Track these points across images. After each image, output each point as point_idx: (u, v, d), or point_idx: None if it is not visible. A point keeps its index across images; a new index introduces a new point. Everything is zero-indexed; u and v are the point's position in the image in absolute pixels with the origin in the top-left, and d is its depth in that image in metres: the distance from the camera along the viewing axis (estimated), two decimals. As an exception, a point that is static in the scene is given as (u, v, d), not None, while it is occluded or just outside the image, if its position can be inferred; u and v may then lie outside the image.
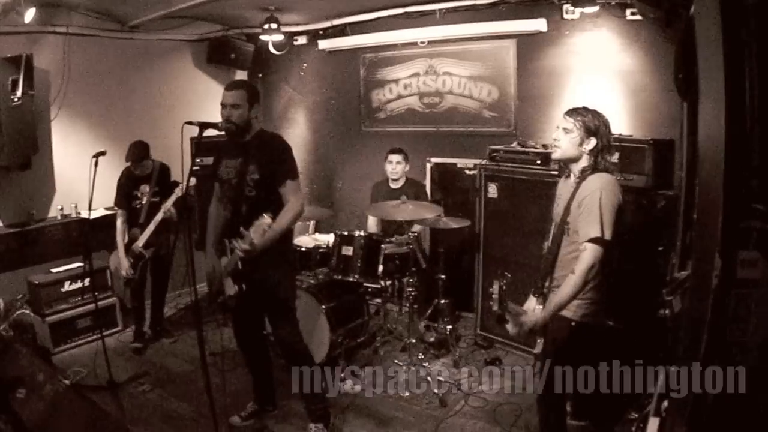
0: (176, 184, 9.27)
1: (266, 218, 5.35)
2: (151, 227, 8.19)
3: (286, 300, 6.27)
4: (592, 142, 4.86)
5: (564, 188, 5.16)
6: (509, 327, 4.97)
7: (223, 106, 5.88)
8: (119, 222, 8.38)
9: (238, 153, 6.02)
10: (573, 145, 4.93)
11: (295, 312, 6.38)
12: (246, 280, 5.98)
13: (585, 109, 4.98)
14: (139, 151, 8.19)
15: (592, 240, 4.65)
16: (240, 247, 5.50)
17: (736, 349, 2.68)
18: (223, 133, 5.77)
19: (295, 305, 6.38)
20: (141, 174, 8.37)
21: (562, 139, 4.98)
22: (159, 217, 8.16)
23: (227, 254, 6.07)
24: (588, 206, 4.71)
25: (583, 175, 4.91)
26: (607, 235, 4.63)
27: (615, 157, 6.86)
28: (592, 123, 4.87)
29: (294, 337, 6.29)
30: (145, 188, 8.37)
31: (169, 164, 8.67)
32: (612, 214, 4.68)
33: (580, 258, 4.69)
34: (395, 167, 9.13)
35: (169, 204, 8.15)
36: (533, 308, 5.14)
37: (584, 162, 4.94)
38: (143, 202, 8.35)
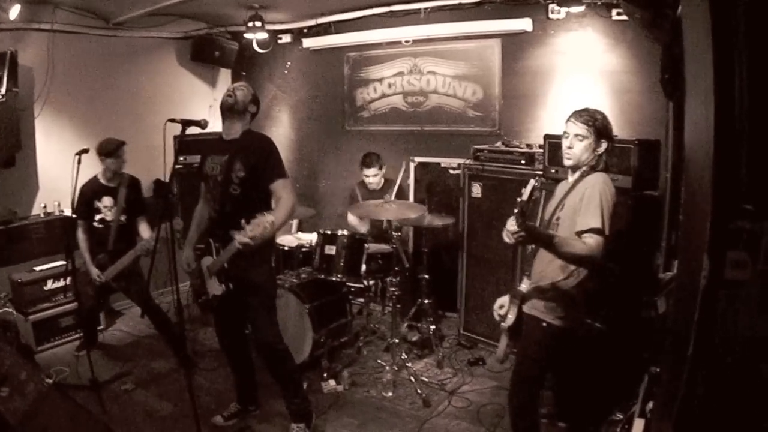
0: (161, 183, 9.19)
1: (268, 216, 5.33)
2: (125, 262, 7.77)
3: (267, 299, 6.26)
4: (604, 145, 4.88)
5: (560, 188, 5.15)
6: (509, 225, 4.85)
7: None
8: (80, 232, 7.97)
9: (225, 150, 6.00)
10: (588, 151, 4.91)
11: (276, 312, 6.37)
12: (232, 279, 5.99)
13: (589, 111, 4.98)
14: (116, 143, 7.84)
15: (594, 230, 4.61)
16: (239, 240, 5.43)
17: (724, 351, 2.67)
18: (205, 131, 5.74)
19: (275, 305, 6.38)
20: (107, 183, 7.99)
21: (577, 146, 4.94)
22: (134, 254, 7.71)
23: (212, 253, 6.06)
24: (590, 197, 4.70)
25: (584, 173, 4.90)
26: (606, 230, 4.62)
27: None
28: (602, 125, 4.90)
29: (274, 337, 6.27)
30: (108, 201, 7.97)
31: (152, 162, 8.61)
32: (610, 211, 4.69)
33: (587, 241, 4.62)
34: (371, 180, 9.22)
35: (146, 245, 7.60)
36: (526, 288, 5.14)
37: (592, 162, 4.94)
38: (105, 218, 7.97)
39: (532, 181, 4.59)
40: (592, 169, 4.90)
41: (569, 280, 4.86)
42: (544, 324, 4.91)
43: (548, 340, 4.95)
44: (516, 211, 4.48)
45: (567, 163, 5.06)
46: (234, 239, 5.49)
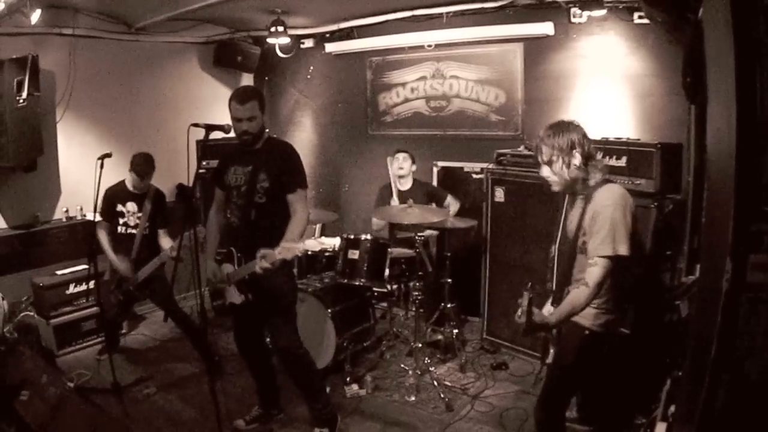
0: (184, 188, 9.18)
1: (299, 244, 5.40)
2: (148, 271, 7.77)
3: (287, 307, 6.29)
4: (577, 157, 4.78)
5: (572, 204, 5.06)
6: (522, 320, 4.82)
7: (239, 119, 5.85)
8: (101, 232, 8.00)
9: (248, 160, 6.04)
10: (564, 172, 4.81)
11: (296, 318, 6.39)
12: (252, 289, 6.01)
13: (549, 130, 4.90)
14: (149, 165, 7.87)
15: (602, 257, 4.55)
16: (261, 266, 5.53)
17: (746, 354, 2.66)
18: (229, 135, 5.71)
19: (295, 311, 6.40)
20: (133, 190, 8.01)
21: (551, 172, 4.87)
22: (159, 261, 7.70)
23: (233, 261, 6.09)
24: (600, 223, 4.58)
25: (587, 186, 4.82)
26: (621, 251, 4.50)
27: (610, 160, 6.96)
28: (564, 140, 4.76)
29: (294, 343, 6.29)
30: (132, 206, 8.01)
31: (175, 166, 8.63)
32: (625, 228, 4.55)
33: (589, 272, 4.56)
34: (402, 164, 9.10)
35: (168, 253, 7.54)
36: (549, 312, 5.06)
37: (581, 175, 4.86)
38: (129, 223, 8.00)
39: (525, 298, 4.56)
40: (604, 181, 4.82)
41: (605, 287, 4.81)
42: (587, 332, 4.86)
43: (588, 346, 4.90)
44: (523, 329, 4.53)
45: (555, 189, 5.00)
46: (256, 259, 5.59)
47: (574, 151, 4.75)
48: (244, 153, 6.10)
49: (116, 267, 7.88)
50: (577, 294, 4.62)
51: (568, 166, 4.78)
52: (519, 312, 4.51)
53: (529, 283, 4.61)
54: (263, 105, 6.01)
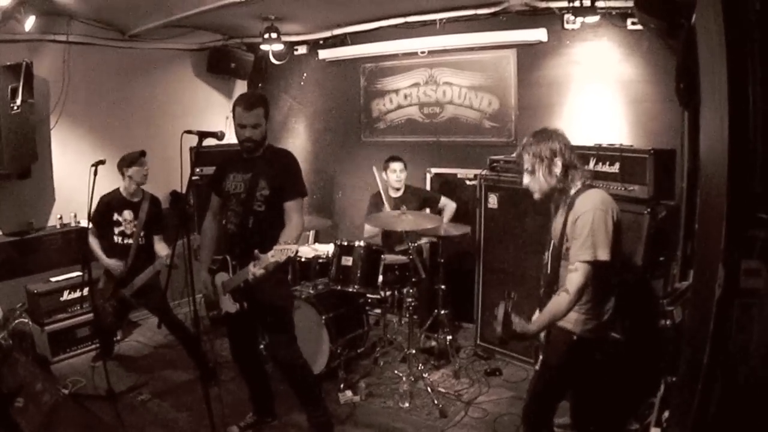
0: (177, 195, 9.15)
1: (292, 245, 5.35)
2: (143, 278, 7.76)
3: (284, 315, 6.25)
4: (558, 165, 4.79)
5: (557, 212, 5.08)
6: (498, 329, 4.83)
7: (243, 126, 5.83)
8: (91, 237, 7.95)
9: (248, 167, 6.01)
10: (544, 179, 4.84)
11: (293, 326, 6.35)
12: (247, 298, 5.97)
13: (532, 138, 4.93)
14: (136, 153, 7.86)
15: (583, 262, 4.57)
16: (253, 272, 5.48)
17: (739, 360, 2.66)
18: (222, 142, 5.71)
19: (293, 321, 6.37)
20: (129, 198, 7.98)
21: (532, 180, 4.92)
22: (154, 269, 7.74)
23: (228, 269, 6.08)
24: (580, 228, 4.59)
25: (567, 193, 4.84)
26: (601, 256, 4.51)
27: (603, 166, 6.96)
28: (545, 148, 4.79)
29: (293, 354, 6.27)
30: (129, 214, 7.98)
31: (169, 173, 8.61)
32: (606, 234, 4.56)
33: (570, 278, 4.57)
34: (399, 175, 9.12)
35: (165, 262, 7.56)
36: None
37: (561, 184, 4.86)
38: (125, 231, 7.97)
39: (501, 308, 4.57)
40: (584, 186, 4.84)
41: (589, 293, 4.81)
42: (575, 337, 4.86)
43: (576, 352, 4.90)
44: (499, 331, 4.53)
45: (536, 197, 5.02)
46: (249, 266, 5.54)
47: (555, 159, 4.78)
48: (243, 160, 6.07)
49: (107, 266, 7.91)
50: (557, 301, 4.62)
51: (549, 174, 4.81)
52: (496, 322, 4.53)
53: (506, 291, 4.62)
54: (268, 112, 5.98)
